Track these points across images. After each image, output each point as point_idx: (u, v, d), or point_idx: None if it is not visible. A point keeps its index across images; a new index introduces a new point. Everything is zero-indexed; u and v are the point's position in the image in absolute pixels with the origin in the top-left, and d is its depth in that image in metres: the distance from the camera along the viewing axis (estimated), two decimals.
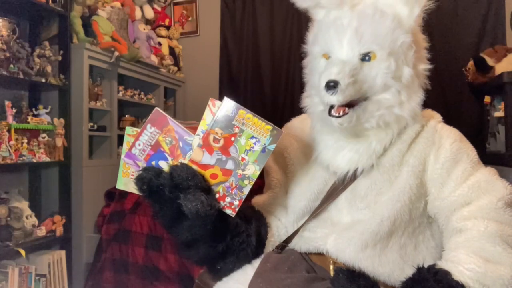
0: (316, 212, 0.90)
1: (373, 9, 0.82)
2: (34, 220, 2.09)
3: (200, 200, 0.72)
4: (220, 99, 0.74)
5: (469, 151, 0.87)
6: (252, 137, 0.73)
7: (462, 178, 0.84)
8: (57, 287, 2.16)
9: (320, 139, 0.91)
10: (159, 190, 0.75)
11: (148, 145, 0.75)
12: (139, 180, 0.75)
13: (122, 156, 0.78)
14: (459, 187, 0.83)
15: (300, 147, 0.98)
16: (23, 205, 2.08)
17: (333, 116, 0.80)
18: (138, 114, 3.12)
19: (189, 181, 0.73)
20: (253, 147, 0.74)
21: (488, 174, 0.85)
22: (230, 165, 0.75)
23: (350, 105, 0.81)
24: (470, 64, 2.58)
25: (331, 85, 0.76)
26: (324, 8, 0.87)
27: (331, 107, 0.81)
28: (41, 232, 2.09)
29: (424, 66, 0.89)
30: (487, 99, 2.51)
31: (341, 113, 0.80)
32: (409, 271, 0.77)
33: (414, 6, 0.83)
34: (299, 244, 0.92)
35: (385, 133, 0.85)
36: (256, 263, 0.87)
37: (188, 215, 0.72)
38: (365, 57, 0.81)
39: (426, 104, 0.91)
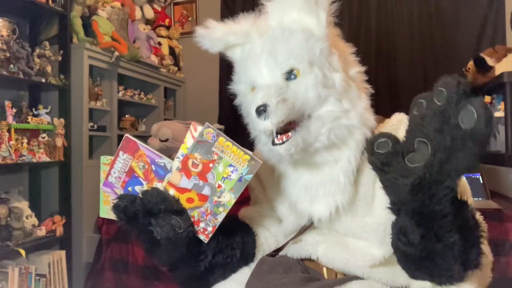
0: (302, 229, 0.89)
1: (281, 30, 0.80)
2: (34, 220, 2.09)
3: (170, 224, 0.71)
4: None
5: None
6: (230, 165, 0.73)
7: None
8: (57, 287, 2.16)
9: (289, 189, 0.86)
10: (135, 217, 0.75)
11: (123, 171, 0.77)
12: (116, 209, 0.75)
13: (101, 185, 0.79)
14: None
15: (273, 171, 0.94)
16: (23, 205, 2.08)
17: (276, 144, 0.75)
18: (138, 114, 3.12)
19: (160, 204, 0.72)
20: (230, 175, 0.74)
21: None
22: (206, 190, 0.75)
23: (291, 128, 0.77)
24: (470, 64, 2.58)
25: (261, 110, 0.72)
26: (235, 46, 0.87)
27: (274, 138, 0.76)
28: (41, 232, 2.09)
29: (357, 69, 0.85)
30: (487, 99, 2.51)
31: (284, 139, 0.75)
32: (403, 275, 0.75)
33: (319, 13, 0.79)
34: (291, 252, 0.91)
35: (347, 159, 0.79)
36: (253, 264, 0.87)
37: (159, 240, 0.72)
38: (290, 76, 0.78)
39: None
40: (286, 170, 0.86)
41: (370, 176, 0.81)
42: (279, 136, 0.76)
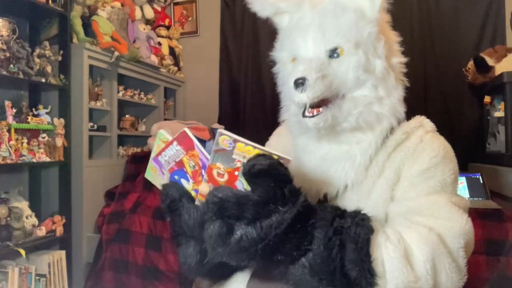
0: None
1: (334, 5, 0.80)
2: (34, 220, 2.09)
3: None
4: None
5: (447, 170, 0.78)
6: None
7: (425, 192, 0.77)
8: (57, 287, 2.16)
9: (303, 158, 0.85)
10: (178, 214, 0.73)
11: (173, 160, 0.74)
12: (163, 195, 0.74)
13: (152, 156, 0.77)
14: (419, 198, 0.76)
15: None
16: (23, 205, 2.08)
17: (306, 116, 0.77)
18: (138, 114, 3.12)
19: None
20: None
21: (453, 204, 0.75)
22: None
23: (324, 104, 0.78)
24: (470, 64, 2.59)
25: (299, 82, 0.73)
26: (285, 13, 0.86)
27: (305, 109, 0.78)
28: (41, 232, 2.09)
29: (398, 59, 0.86)
30: (487, 99, 2.51)
31: (314, 113, 0.77)
32: None
33: None
34: None
35: (368, 142, 0.80)
36: None
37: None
38: (333, 54, 0.78)
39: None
40: (307, 142, 0.86)
41: (377, 169, 0.81)
42: (310, 109, 0.77)
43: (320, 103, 0.77)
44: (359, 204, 0.80)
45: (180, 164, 0.72)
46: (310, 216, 0.65)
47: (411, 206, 0.76)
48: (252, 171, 0.61)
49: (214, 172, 0.68)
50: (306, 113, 0.77)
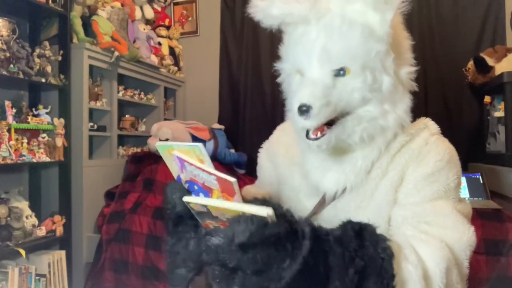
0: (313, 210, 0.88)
1: (340, 20, 0.74)
2: (34, 220, 2.09)
3: None
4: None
5: (451, 174, 0.78)
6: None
7: (430, 197, 0.77)
8: (57, 287, 2.16)
9: (306, 157, 0.86)
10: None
11: (202, 181, 0.67)
12: (171, 201, 0.72)
13: (174, 153, 0.70)
14: (424, 204, 0.76)
15: (288, 155, 0.95)
16: (23, 205, 2.08)
17: (310, 139, 0.76)
18: (138, 114, 3.12)
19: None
20: None
21: (458, 213, 0.76)
22: None
23: (328, 123, 0.75)
24: (470, 64, 2.59)
25: (304, 110, 0.71)
26: (289, 24, 0.81)
27: (308, 131, 0.76)
28: (41, 232, 2.09)
29: (408, 70, 0.80)
30: (487, 99, 2.51)
31: (318, 135, 0.75)
32: None
33: (386, 12, 0.73)
34: None
35: (371, 148, 0.79)
36: None
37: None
38: (339, 72, 0.74)
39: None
40: (309, 154, 0.85)
41: (381, 171, 0.80)
42: (314, 130, 0.76)
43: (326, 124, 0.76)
44: (361, 205, 0.80)
45: (208, 189, 0.67)
46: (320, 251, 0.59)
47: (416, 212, 0.76)
48: (238, 245, 0.55)
49: (211, 226, 0.66)
50: (310, 135, 0.76)
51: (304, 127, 0.75)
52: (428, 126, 0.84)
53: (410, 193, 0.78)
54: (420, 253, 0.68)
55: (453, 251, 0.71)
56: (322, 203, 0.85)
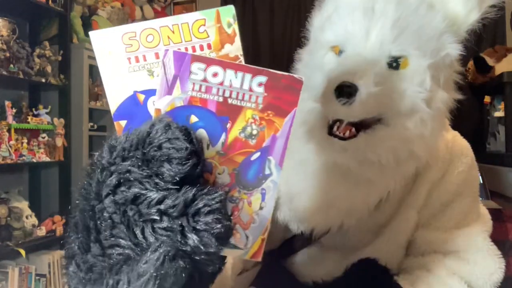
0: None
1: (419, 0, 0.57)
2: (34, 220, 2.09)
3: None
4: None
5: (475, 182, 0.72)
6: None
7: (457, 218, 0.69)
8: (57, 287, 2.16)
9: (298, 175, 0.64)
10: None
11: (223, 94, 0.41)
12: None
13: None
14: (452, 232, 0.68)
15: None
16: (23, 205, 2.08)
17: (336, 136, 0.55)
18: None
19: None
20: None
21: (489, 246, 0.69)
22: None
23: (359, 125, 0.55)
24: (470, 64, 2.58)
25: (346, 91, 0.51)
26: None
27: (334, 122, 0.56)
28: (41, 232, 2.09)
29: (454, 96, 0.62)
30: (487, 99, 2.51)
31: (347, 134, 0.54)
32: None
33: (473, 9, 0.62)
34: None
35: (382, 187, 0.62)
36: None
37: None
38: (393, 63, 0.56)
39: None
40: (307, 156, 0.63)
41: (393, 205, 0.68)
42: (343, 126, 0.55)
43: (357, 123, 0.56)
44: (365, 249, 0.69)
45: (229, 111, 0.40)
46: None
47: (443, 239, 0.68)
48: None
49: None
50: (335, 131, 0.55)
51: (336, 116, 0.54)
52: (464, 154, 0.71)
53: (436, 214, 0.69)
54: None
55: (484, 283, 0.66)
56: (303, 241, 0.70)
